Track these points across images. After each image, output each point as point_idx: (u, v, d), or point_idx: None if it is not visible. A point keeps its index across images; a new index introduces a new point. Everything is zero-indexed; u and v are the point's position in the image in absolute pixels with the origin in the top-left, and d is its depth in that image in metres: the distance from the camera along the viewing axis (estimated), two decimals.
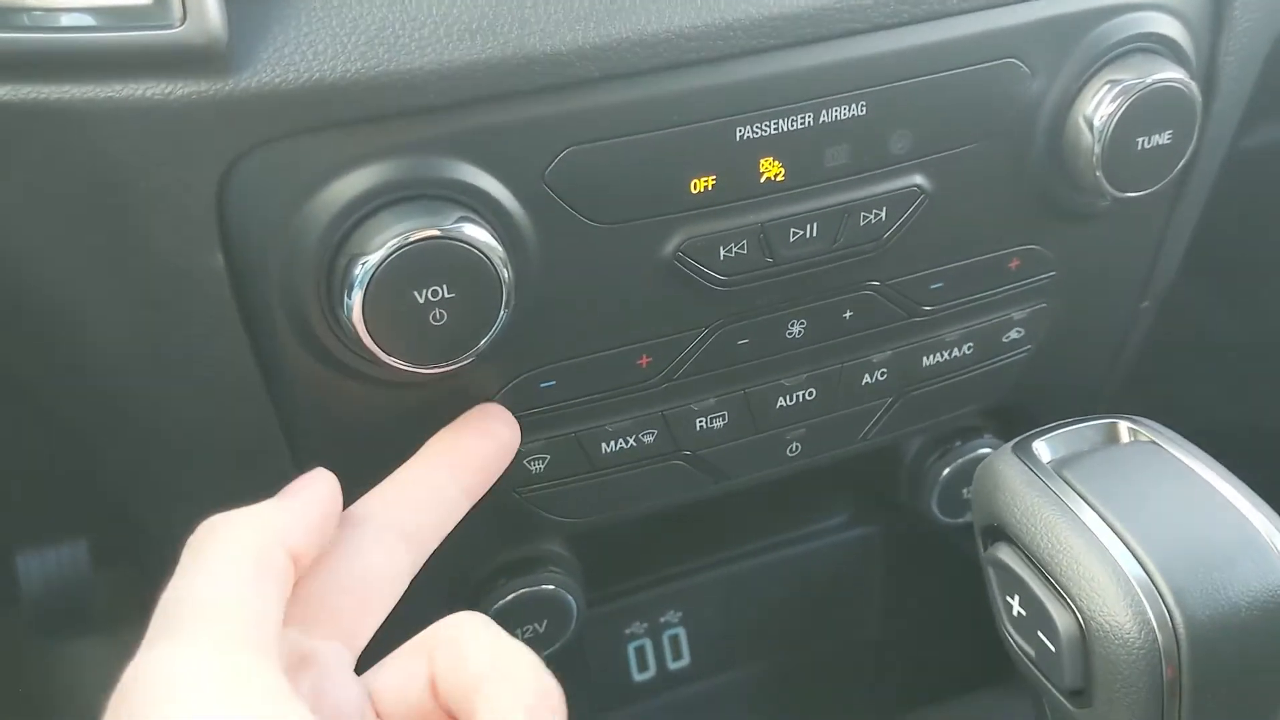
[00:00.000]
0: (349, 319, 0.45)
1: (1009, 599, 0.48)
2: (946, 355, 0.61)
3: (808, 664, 0.84)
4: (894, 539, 0.81)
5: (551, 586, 0.63)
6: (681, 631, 0.79)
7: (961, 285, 0.59)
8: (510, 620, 0.63)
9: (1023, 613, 0.48)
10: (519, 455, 0.55)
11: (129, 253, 0.46)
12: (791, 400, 0.59)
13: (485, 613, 0.62)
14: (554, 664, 0.58)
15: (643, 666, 0.78)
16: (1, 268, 0.47)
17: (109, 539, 0.74)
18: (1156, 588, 0.43)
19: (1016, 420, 0.69)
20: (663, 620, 0.78)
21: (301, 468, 0.45)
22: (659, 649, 0.78)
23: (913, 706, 0.85)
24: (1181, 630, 0.43)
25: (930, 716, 0.85)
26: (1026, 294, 0.61)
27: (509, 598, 0.62)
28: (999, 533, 0.49)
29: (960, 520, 0.71)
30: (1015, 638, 0.49)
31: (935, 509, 0.70)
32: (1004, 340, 0.62)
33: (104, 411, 0.54)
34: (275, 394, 0.50)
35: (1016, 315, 0.62)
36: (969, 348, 0.61)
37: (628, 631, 0.77)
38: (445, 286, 0.45)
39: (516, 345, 0.51)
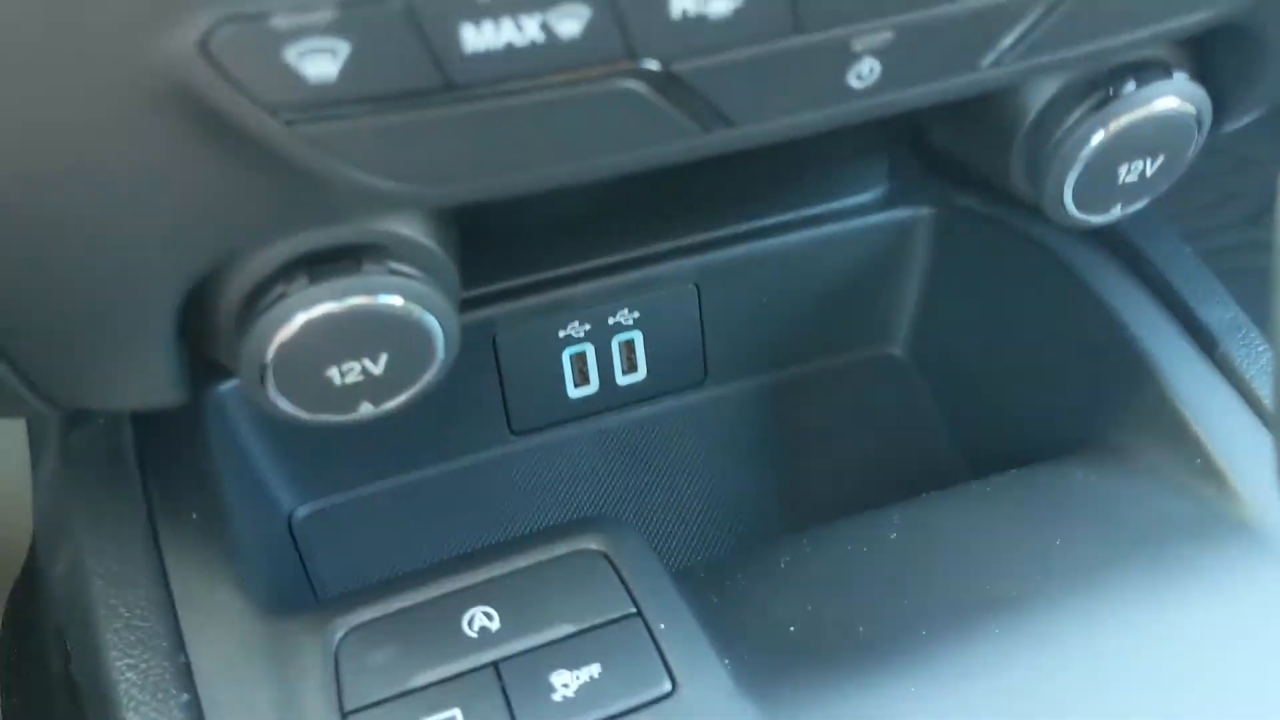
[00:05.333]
0: None
1: None
2: None
3: (808, 385, 0.65)
4: (943, 228, 0.60)
5: (398, 300, 0.36)
6: (637, 336, 0.61)
7: None
8: (323, 357, 0.36)
9: None
10: (281, 37, 0.26)
11: None
12: None
13: (264, 349, 0.35)
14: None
15: (581, 379, 0.61)
16: None
17: None
18: None
19: (1229, 58, 0.40)
20: (611, 322, 0.60)
21: None
22: (605, 357, 0.61)
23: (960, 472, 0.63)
24: None
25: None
26: None
27: (308, 316, 0.35)
28: None
29: (1103, 218, 0.43)
30: None
31: (1069, 200, 0.42)
32: None
33: None
34: None
35: None
36: None
37: (563, 334, 0.59)
38: None
39: None
